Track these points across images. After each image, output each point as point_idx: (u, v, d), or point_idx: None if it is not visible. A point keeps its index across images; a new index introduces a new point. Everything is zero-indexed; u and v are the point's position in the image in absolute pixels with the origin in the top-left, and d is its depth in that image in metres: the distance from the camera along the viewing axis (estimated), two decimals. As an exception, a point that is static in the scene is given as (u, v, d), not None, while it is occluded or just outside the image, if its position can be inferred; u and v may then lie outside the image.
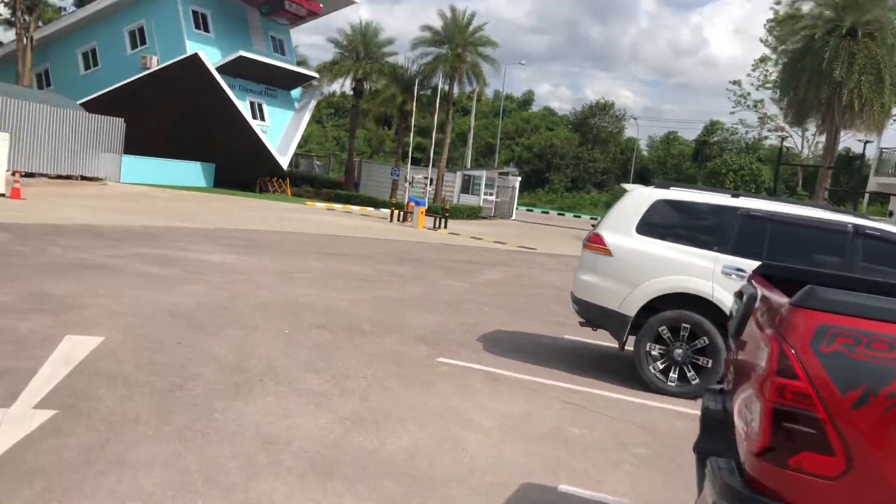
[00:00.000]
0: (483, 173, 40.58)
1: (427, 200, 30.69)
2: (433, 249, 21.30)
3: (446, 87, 38.35)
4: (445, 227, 29.36)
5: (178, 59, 34.10)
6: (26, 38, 36.34)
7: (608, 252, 8.00)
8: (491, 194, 40.75)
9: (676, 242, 7.83)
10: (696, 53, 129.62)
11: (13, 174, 21.19)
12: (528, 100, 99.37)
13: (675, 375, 7.72)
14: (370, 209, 36.18)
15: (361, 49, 41.23)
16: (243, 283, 11.49)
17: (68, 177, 30.74)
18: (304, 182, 42.43)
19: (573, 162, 71.78)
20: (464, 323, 10.27)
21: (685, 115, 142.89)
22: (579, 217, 57.92)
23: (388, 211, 33.96)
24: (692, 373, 7.68)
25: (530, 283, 16.34)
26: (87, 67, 37.68)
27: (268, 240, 18.44)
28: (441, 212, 31.17)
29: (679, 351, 7.70)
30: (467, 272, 16.88)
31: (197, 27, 35.78)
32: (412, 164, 36.98)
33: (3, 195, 20.30)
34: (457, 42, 38.49)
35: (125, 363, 6.55)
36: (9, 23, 38.16)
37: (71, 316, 8.05)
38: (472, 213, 38.25)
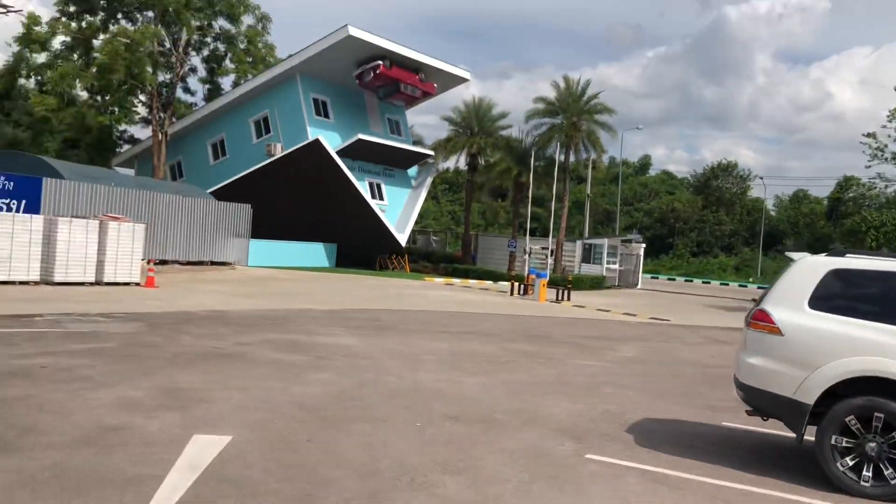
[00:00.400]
0: (605, 241, 39.54)
1: (547, 272, 29.96)
2: (559, 324, 20.48)
3: (562, 157, 37.89)
4: (569, 299, 28.45)
5: (300, 145, 35.33)
6: (161, 133, 38.78)
7: (778, 331, 7.07)
8: (614, 263, 39.55)
9: (860, 318, 6.83)
10: (818, 108, 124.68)
11: (147, 262, 22.01)
12: (644, 164, 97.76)
13: (870, 473, 6.61)
14: (488, 282, 35.66)
15: (475, 124, 41.56)
16: (370, 369, 11.09)
17: (199, 262, 31.91)
18: (422, 258, 42.57)
19: (697, 225, 69.36)
20: (607, 410, 9.42)
21: (811, 171, 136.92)
22: (708, 283, 55.47)
23: (507, 284, 33.30)
24: (890, 470, 6.56)
25: (670, 361, 15.23)
26: (216, 157, 39.60)
27: (391, 319, 18.17)
28: (563, 283, 30.33)
29: (872, 445, 6.61)
30: (599, 349, 15.96)
31: (318, 114, 37.08)
32: (529, 234, 36.51)
33: (137, 284, 21.05)
34: (571, 111, 38.15)
35: (254, 467, 6.14)
36: (146, 121, 40.76)
37: (199, 412, 7.79)
38: (596, 284, 37.12)
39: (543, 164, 39.57)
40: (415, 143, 43.55)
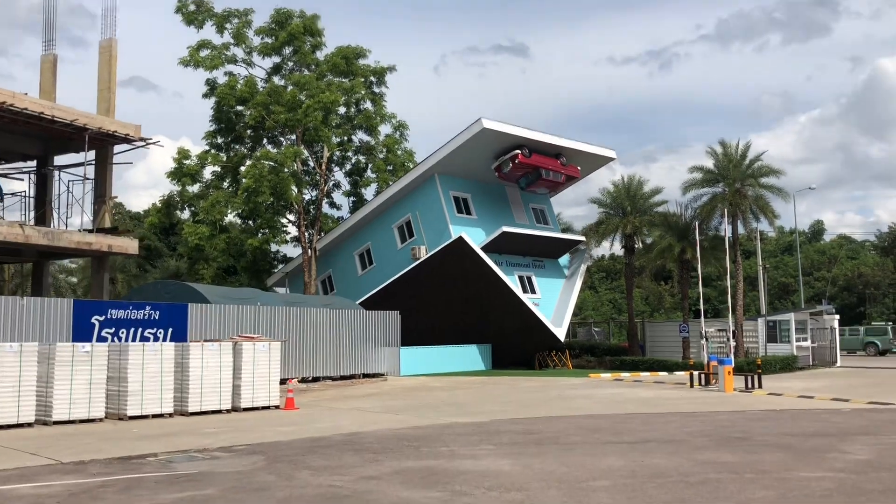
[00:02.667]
0: (791, 316, 34.71)
1: (731, 356, 26.01)
2: (757, 420, 16.78)
3: (729, 227, 34.13)
4: (760, 386, 24.33)
5: (444, 244, 33.85)
6: (310, 249, 38.59)
7: None
8: (805, 339, 34.52)
9: None
10: None
11: (286, 382, 20.49)
12: (817, 230, 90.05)
13: None
14: (662, 374, 31.96)
15: (627, 204, 38.69)
16: (521, 509, 8.36)
17: (351, 377, 30.48)
18: (585, 352, 39.40)
19: (891, 290, 61.59)
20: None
21: None
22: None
23: (683, 374, 29.71)
24: None
25: (923, 462, 11.41)
26: (363, 267, 38.87)
27: (550, 429, 15.31)
28: (752, 368, 26.24)
29: None
30: (821, 452, 12.35)
31: (459, 211, 35.70)
32: (699, 316, 32.61)
33: (277, 407, 19.46)
34: (733, 177, 34.52)
35: None
36: (296, 239, 40.92)
37: None
38: (786, 365, 32.34)
39: (708, 238, 35.87)
40: (564, 230, 41.16)
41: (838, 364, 35.60)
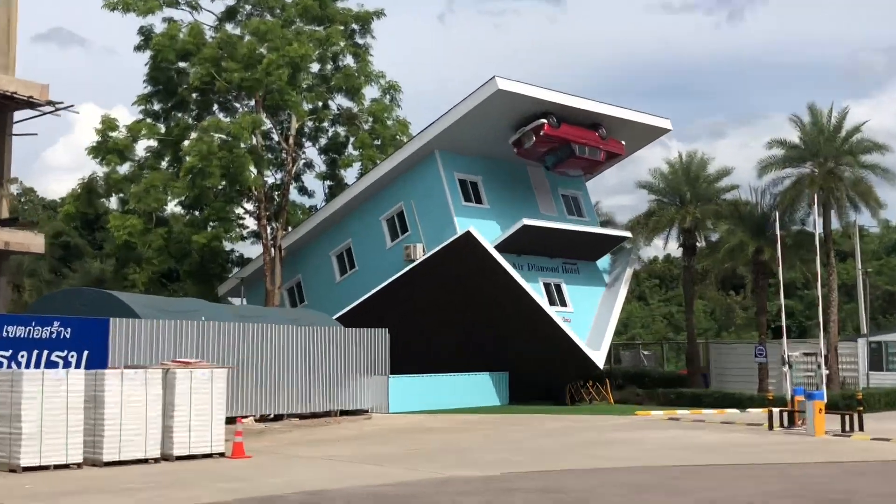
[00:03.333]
0: (901, 336, 34.00)
1: (823, 389, 25.27)
2: (860, 476, 16.09)
3: (820, 221, 33.38)
4: (861, 428, 23.59)
5: (446, 242, 33.23)
6: (273, 249, 38.06)
7: None
8: (920, 366, 33.80)
9: None
10: None
11: (235, 422, 19.90)
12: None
13: None
14: (731, 411, 31.26)
15: (686, 189, 37.98)
16: None
17: (325, 414, 29.96)
18: (630, 381, 38.71)
19: None
20: None
21: None
22: None
23: (759, 412, 28.83)
24: None
25: None
26: (343, 272, 38.38)
27: (580, 487, 14.65)
28: (851, 405, 25.48)
29: None
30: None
31: (467, 199, 35.14)
32: (780, 335, 31.80)
33: (221, 455, 18.84)
34: (825, 154, 33.79)
35: None
36: (256, 235, 40.44)
37: None
38: (894, 400, 31.57)
39: (791, 234, 35.14)
40: (603, 223, 40.46)
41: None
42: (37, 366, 21.94)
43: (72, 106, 24.63)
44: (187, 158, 35.26)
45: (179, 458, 18.29)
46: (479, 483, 15.18)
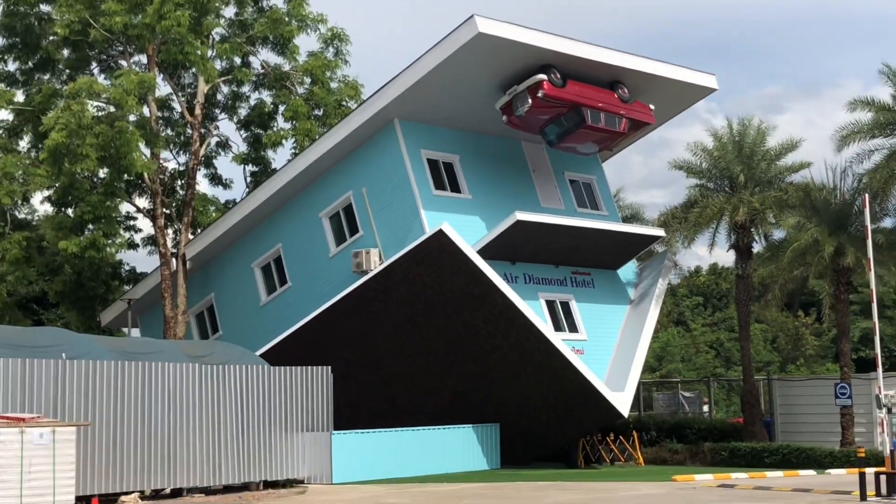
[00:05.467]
0: None
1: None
2: None
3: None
4: None
5: (411, 245, 31.67)
6: (175, 259, 36.40)
7: None
8: None
9: None
10: None
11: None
12: None
13: None
14: (806, 473, 29.90)
15: (739, 170, 36.39)
16: None
17: (243, 487, 28.54)
18: (666, 434, 37.18)
19: None
20: None
21: None
22: None
23: (845, 473, 27.72)
24: None
25: None
26: (270, 290, 37.10)
27: None
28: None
29: None
30: None
31: (439, 186, 33.64)
32: (867, 369, 30.17)
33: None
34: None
35: None
36: (152, 242, 38.71)
37: None
38: None
39: (883, 232, 33.71)
40: (626, 219, 38.89)
41: None
42: None
43: None
44: (51, 135, 33.29)
45: (5, 559, 16.37)
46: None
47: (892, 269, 34.54)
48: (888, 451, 24.12)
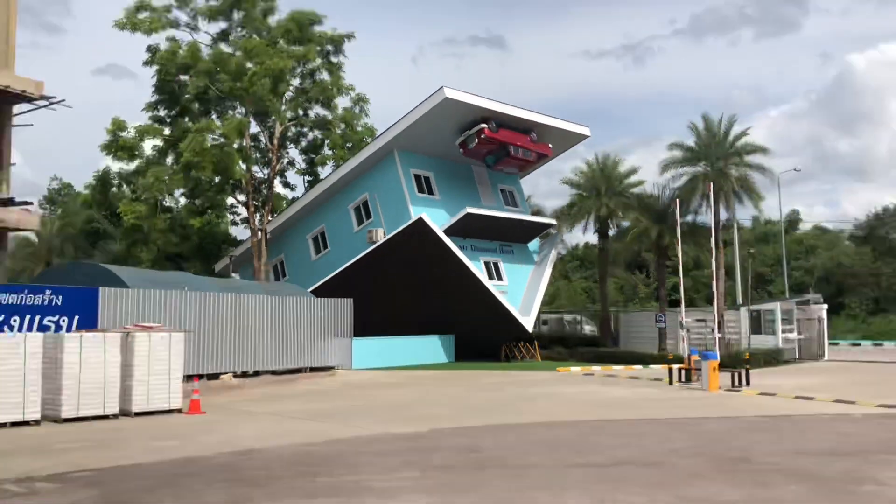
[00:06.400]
0: (777, 306, 31.50)
1: (717, 350, 22.75)
2: (755, 430, 13.49)
3: (711, 210, 30.85)
4: (748, 383, 21.14)
5: (403, 227, 30.40)
6: (260, 232, 35.07)
7: None
8: (791, 331, 31.40)
9: None
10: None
11: (190, 379, 17.02)
12: (793, 220, 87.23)
13: None
14: (637, 367, 28.80)
15: (602, 184, 35.32)
16: None
17: (297, 371, 27.23)
18: (555, 342, 36.19)
19: (871, 280, 58.88)
20: None
21: None
22: (903, 345, 45.46)
23: (660, 368, 26.66)
24: None
25: None
26: (317, 252, 35.38)
27: (500, 444, 11.92)
28: (737, 363, 23.12)
29: None
30: (848, 482, 9.08)
31: (420, 191, 32.18)
32: (675, 306, 29.34)
33: (178, 411, 15.91)
34: (716, 155, 31.30)
35: None
36: (246, 221, 37.35)
37: None
38: (771, 359, 29.21)
39: (688, 223, 32.63)
40: (534, 213, 37.71)
41: (826, 357, 32.53)
42: (30, 329, 19.00)
43: (63, 100, 21.30)
44: (184, 155, 31.99)
45: (138, 414, 15.38)
46: (407, 440, 12.40)
47: (691, 246, 33.48)
48: (686, 355, 23.41)
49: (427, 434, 13.01)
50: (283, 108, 35.55)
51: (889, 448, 11.42)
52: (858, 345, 46.66)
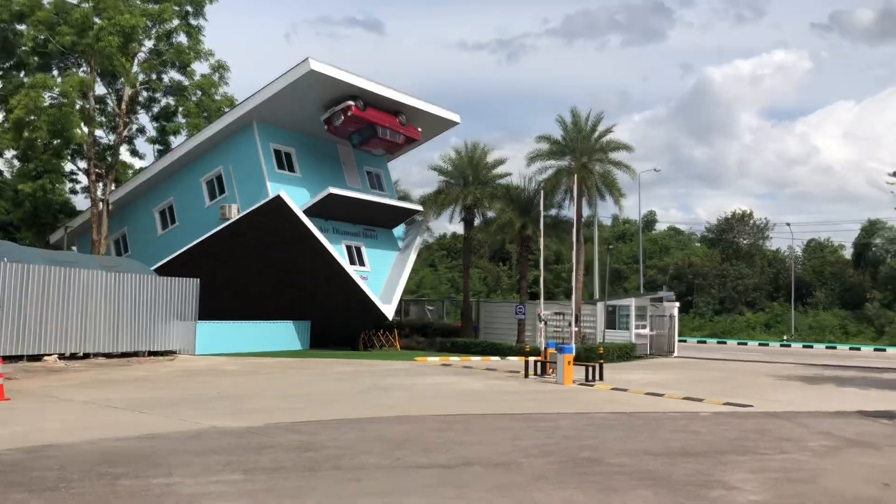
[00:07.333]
0: (631, 302, 32.24)
1: (572, 344, 22.73)
2: (607, 427, 13.19)
3: (574, 204, 31.07)
4: (601, 378, 21.19)
5: (258, 204, 28.71)
6: (102, 203, 32.31)
7: None
8: (644, 327, 32.22)
9: None
10: (807, 162, 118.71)
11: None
12: (650, 220, 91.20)
13: None
14: (494, 358, 28.69)
15: (469, 173, 34.94)
16: None
17: (133, 354, 25.34)
18: (416, 331, 35.59)
19: (718, 281, 62.16)
20: None
21: (811, 224, 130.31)
22: (745, 344, 48.13)
23: (517, 360, 26.55)
24: None
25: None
26: (164, 227, 33.07)
27: (339, 441, 10.94)
28: (592, 356, 23.23)
29: None
30: (697, 486, 8.74)
31: (280, 167, 30.56)
32: (536, 299, 29.42)
33: (-25, 397, 13.91)
34: (581, 150, 31.54)
35: None
36: (87, 189, 34.36)
37: None
38: (625, 353, 29.84)
39: (552, 216, 32.82)
40: (401, 198, 36.84)
41: (675, 354, 33.65)
42: None
43: None
44: (14, 111, 28.82)
45: (-77, 401, 13.28)
46: (235, 437, 11.17)
47: (553, 240, 33.76)
48: (543, 347, 23.31)
49: (260, 429, 11.83)
50: (134, 69, 32.89)
51: (737, 448, 11.32)
52: (705, 342, 49.02)
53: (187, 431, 11.43)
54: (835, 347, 44.71)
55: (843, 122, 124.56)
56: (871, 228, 66.72)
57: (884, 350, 43.31)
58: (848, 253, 68.85)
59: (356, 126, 30.54)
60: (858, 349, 43.65)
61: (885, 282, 57.76)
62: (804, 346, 44.83)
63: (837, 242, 71.85)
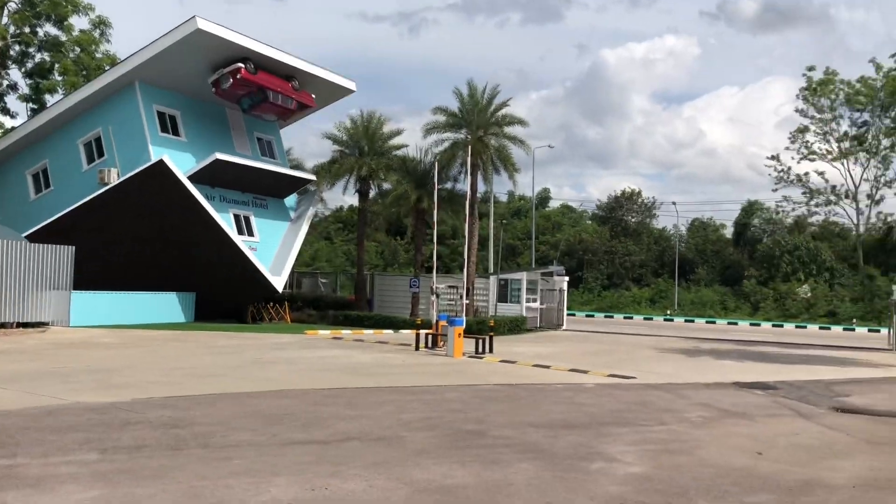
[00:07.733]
0: (523, 276, 32.55)
1: (463, 317, 22.65)
2: (492, 401, 13.09)
3: (469, 178, 30.95)
4: (491, 350, 21.23)
5: (139, 168, 27.15)
6: (-34, 162, 29.78)
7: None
8: (534, 301, 32.63)
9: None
10: (693, 145, 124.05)
11: None
12: (544, 198, 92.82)
13: None
14: (387, 332, 28.39)
15: (365, 143, 34.23)
16: None
17: (2, 325, 23.54)
18: (308, 304, 34.80)
19: (606, 257, 63.94)
20: None
21: (696, 205, 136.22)
22: (631, 318, 49.72)
23: (409, 333, 26.21)
24: None
25: (711, 475, 8.07)
26: (38, 191, 30.90)
27: (212, 417, 10.33)
28: (483, 329, 23.26)
29: None
30: (578, 459, 8.67)
31: (164, 130, 28.97)
32: (435, 272, 29.20)
33: None
34: (477, 123, 31.40)
35: None
36: (-49, 148, 31.56)
37: None
38: (515, 326, 30.13)
39: (448, 189, 32.61)
40: (294, 167, 35.72)
41: (564, 327, 34.29)
42: None
43: None
44: None
45: None
46: (98, 413, 10.36)
47: (449, 213, 33.62)
48: (435, 320, 23.14)
49: (127, 405, 11.04)
50: (4, 20, 30.40)
51: (619, 420, 11.41)
52: (593, 316, 50.35)
53: (45, 407, 10.54)
54: (714, 322, 46.85)
55: (727, 108, 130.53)
56: (750, 209, 70.21)
57: (759, 325, 45.70)
58: (729, 232, 72.30)
59: (246, 89, 29.27)
60: (736, 324, 45.89)
61: (761, 260, 60.86)
62: (686, 321, 46.78)
63: (719, 222, 75.41)
